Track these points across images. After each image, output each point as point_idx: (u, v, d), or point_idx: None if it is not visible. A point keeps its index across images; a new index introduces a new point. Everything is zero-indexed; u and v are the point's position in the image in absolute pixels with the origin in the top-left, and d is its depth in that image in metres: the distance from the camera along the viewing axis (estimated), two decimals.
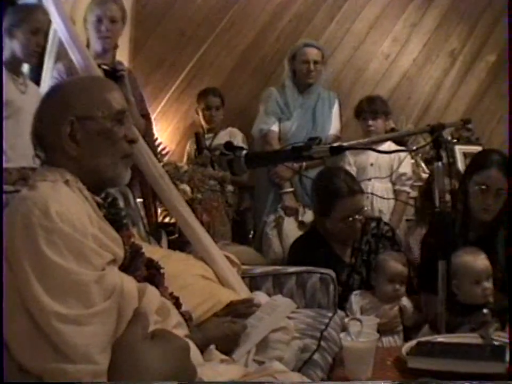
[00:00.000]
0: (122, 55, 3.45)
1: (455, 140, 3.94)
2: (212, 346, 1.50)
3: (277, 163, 3.04)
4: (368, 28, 4.34)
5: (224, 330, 1.68)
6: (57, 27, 2.53)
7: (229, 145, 1.86)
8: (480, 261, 2.18)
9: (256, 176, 3.61)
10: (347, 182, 2.55)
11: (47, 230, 1.12)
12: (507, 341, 1.75)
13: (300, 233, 3.09)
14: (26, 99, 2.49)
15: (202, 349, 1.43)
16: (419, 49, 4.35)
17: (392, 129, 3.84)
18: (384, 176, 3.28)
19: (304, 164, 3.24)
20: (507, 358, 1.59)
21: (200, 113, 3.91)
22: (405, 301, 2.42)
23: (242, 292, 2.06)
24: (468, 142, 3.98)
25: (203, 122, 3.91)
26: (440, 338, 1.86)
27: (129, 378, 1.06)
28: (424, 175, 3.78)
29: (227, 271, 2.10)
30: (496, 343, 1.78)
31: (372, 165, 3.38)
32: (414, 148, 3.64)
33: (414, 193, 3.63)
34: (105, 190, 1.36)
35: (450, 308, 1.98)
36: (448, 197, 2.01)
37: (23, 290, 1.09)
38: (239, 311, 1.84)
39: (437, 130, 1.92)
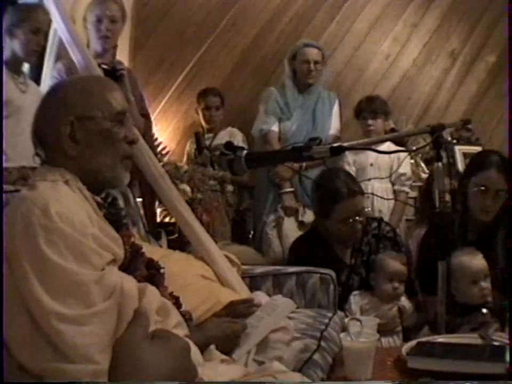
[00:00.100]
0: (122, 55, 3.45)
1: (455, 140, 3.94)
2: (212, 346, 1.50)
3: (277, 163, 3.03)
4: (368, 28, 4.34)
5: (224, 330, 1.68)
6: (58, 26, 2.53)
7: (229, 145, 1.86)
8: (477, 260, 2.18)
9: (256, 176, 3.61)
10: (347, 184, 2.52)
11: (47, 229, 1.11)
12: (507, 341, 1.75)
13: (300, 233, 3.08)
14: (27, 98, 2.49)
15: (203, 349, 1.42)
16: (419, 50, 4.35)
17: (392, 129, 3.84)
18: (383, 176, 3.27)
19: (304, 164, 3.24)
20: (507, 358, 1.59)
21: (200, 113, 3.91)
22: (404, 301, 2.42)
23: (242, 292, 2.05)
24: (468, 142, 3.98)
25: (203, 122, 3.91)
26: (440, 339, 1.87)
27: (129, 378, 1.06)
28: (424, 175, 3.78)
29: (227, 271, 2.10)
30: (496, 343, 1.79)
31: (371, 165, 3.38)
32: (414, 148, 3.63)
33: (413, 194, 3.63)
34: (105, 190, 1.36)
35: (450, 308, 1.98)
36: (448, 197, 2.00)
37: (23, 290, 1.08)
38: (239, 311, 1.84)
39: (437, 131, 1.92)
